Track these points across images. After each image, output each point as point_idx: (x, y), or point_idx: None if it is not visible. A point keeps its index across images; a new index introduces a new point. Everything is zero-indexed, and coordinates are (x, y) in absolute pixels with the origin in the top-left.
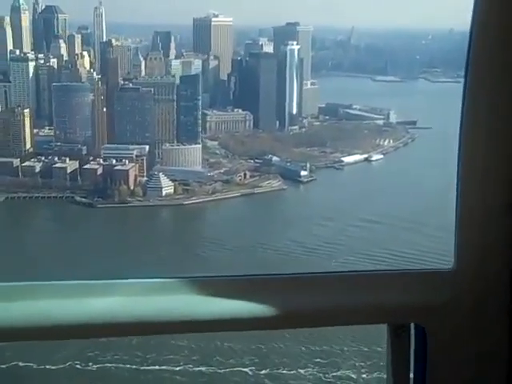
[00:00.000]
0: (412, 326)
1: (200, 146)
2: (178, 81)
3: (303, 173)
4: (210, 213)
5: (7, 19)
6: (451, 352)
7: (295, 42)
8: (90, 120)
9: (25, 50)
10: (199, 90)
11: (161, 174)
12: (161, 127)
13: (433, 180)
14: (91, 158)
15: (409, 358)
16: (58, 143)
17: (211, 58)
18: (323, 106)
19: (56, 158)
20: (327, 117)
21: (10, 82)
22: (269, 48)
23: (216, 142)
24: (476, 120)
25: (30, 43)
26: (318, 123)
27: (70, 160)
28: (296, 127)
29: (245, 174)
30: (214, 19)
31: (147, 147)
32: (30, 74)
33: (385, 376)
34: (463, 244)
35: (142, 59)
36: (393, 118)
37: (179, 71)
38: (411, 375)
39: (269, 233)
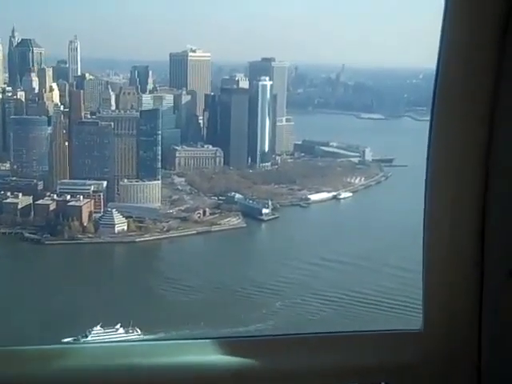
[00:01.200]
0: None
1: (159, 182)
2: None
3: (265, 211)
4: (163, 250)
5: None
6: None
7: (267, 78)
8: (47, 154)
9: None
10: (159, 124)
11: (114, 210)
12: (120, 162)
13: (398, 218)
14: (47, 194)
15: None
16: (14, 178)
17: (184, 93)
18: (299, 143)
19: (9, 193)
20: (302, 154)
21: None
22: (245, 84)
23: (183, 179)
24: (441, 171)
25: (1, 76)
26: (292, 160)
27: (23, 195)
28: (268, 164)
29: (204, 212)
30: (191, 54)
31: (105, 183)
32: None
33: None
34: (431, 306)
35: (111, 93)
36: (368, 156)
37: (150, 106)
38: None
39: (221, 271)
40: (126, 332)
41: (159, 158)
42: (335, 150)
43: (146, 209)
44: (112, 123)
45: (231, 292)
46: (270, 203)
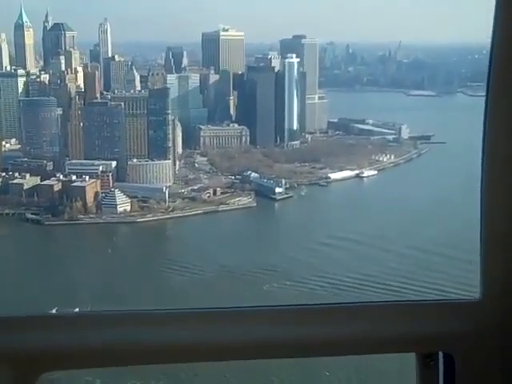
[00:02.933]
0: (440, 354)
1: (170, 161)
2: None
3: (278, 190)
4: (164, 230)
5: (3, 36)
6: (478, 379)
7: (294, 55)
8: (57, 135)
9: (28, 67)
10: (169, 103)
11: (117, 190)
12: (131, 142)
13: (419, 197)
14: (55, 175)
15: None
16: (25, 159)
17: (212, 72)
18: (335, 120)
19: (17, 174)
20: (338, 132)
21: None
22: (278, 62)
23: (205, 158)
24: (497, 146)
25: (33, 60)
26: (325, 138)
27: (31, 176)
28: (296, 142)
29: (214, 191)
30: (223, 33)
31: (114, 163)
32: (20, 90)
33: None
34: (488, 275)
35: (136, 74)
36: (405, 133)
37: (176, 86)
38: None
39: (222, 251)
40: None
41: (169, 137)
42: (370, 128)
43: (152, 189)
44: (122, 103)
45: (230, 272)
46: (283, 182)
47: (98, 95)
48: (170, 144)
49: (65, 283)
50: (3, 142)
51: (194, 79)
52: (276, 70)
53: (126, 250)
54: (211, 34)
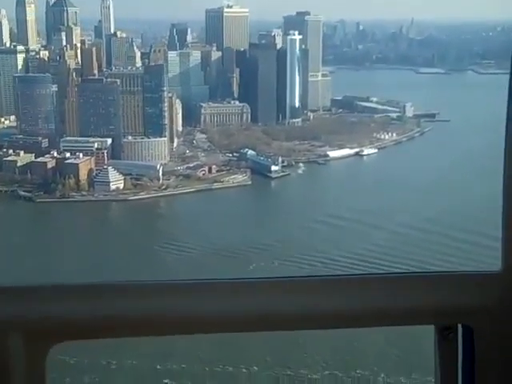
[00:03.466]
0: (459, 327)
1: (166, 139)
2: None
3: (274, 168)
4: (155, 208)
5: (3, 12)
6: (499, 353)
7: (297, 32)
8: (52, 112)
9: (30, 44)
10: (164, 80)
11: (110, 168)
12: (127, 120)
13: (418, 177)
14: (50, 152)
15: (457, 359)
16: (20, 135)
17: (214, 49)
18: (340, 98)
19: (11, 151)
20: (340, 110)
21: None
22: (280, 39)
23: (205, 135)
24: None
25: (35, 36)
26: (327, 116)
27: (25, 153)
28: (298, 120)
29: (210, 169)
30: (227, 10)
31: (109, 140)
32: (19, 66)
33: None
34: (510, 246)
35: (136, 51)
36: (409, 111)
37: (177, 63)
38: (459, 376)
39: (213, 229)
40: None
41: (165, 114)
42: (374, 106)
43: (145, 166)
44: (118, 80)
45: (218, 250)
46: (279, 160)
47: (95, 72)
48: (166, 121)
49: (50, 260)
50: (2, 119)
51: (196, 56)
52: (278, 47)
53: (115, 227)
54: (215, 10)
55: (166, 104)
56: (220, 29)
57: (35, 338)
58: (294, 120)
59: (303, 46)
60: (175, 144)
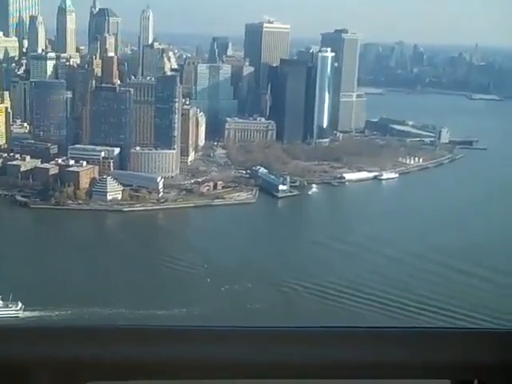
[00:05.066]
0: (475, 383)
1: (174, 151)
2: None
3: (281, 187)
4: (145, 221)
5: (40, 18)
6: None
7: (329, 49)
8: (65, 119)
9: (68, 51)
10: (177, 91)
11: (109, 178)
12: (137, 130)
13: (432, 206)
14: (55, 158)
15: None
16: (32, 141)
17: (246, 64)
18: (375, 120)
19: (18, 156)
20: (375, 132)
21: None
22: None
23: (224, 151)
24: None
25: (74, 44)
26: (358, 138)
27: (31, 158)
28: (326, 140)
29: (215, 185)
30: (266, 25)
31: (116, 150)
32: (49, 72)
33: None
34: None
35: (166, 62)
36: (444, 137)
37: (206, 76)
38: None
39: (192, 246)
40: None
41: (175, 126)
42: (408, 129)
43: (146, 178)
44: (131, 89)
45: (191, 267)
46: (288, 180)
47: (115, 81)
48: (176, 133)
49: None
50: (25, 124)
51: (226, 70)
52: (305, 63)
53: (100, 237)
54: (255, 25)
55: (176, 116)
56: (258, 44)
57: (65, 378)
58: (321, 140)
59: (336, 64)
60: (190, 158)
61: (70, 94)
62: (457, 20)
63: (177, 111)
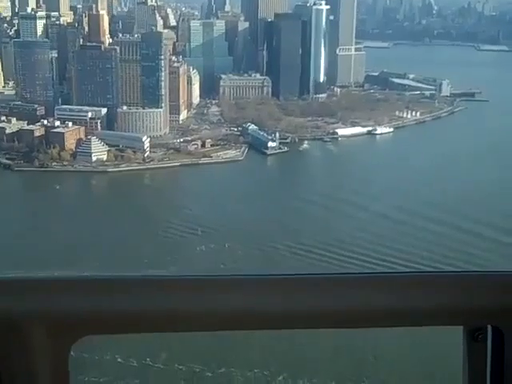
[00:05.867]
0: (489, 328)
1: (161, 110)
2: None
3: (271, 144)
4: (128, 182)
5: None
6: None
7: (324, 2)
8: (51, 79)
9: (62, 10)
10: (162, 48)
11: (93, 138)
12: (124, 89)
13: (423, 160)
14: (42, 119)
15: (486, 361)
16: (19, 102)
17: (241, 19)
18: (376, 74)
19: (3, 118)
20: (375, 86)
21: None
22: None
23: (218, 108)
24: None
25: (67, 2)
26: (357, 92)
27: (17, 120)
28: (323, 95)
29: (203, 143)
30: None
31: (104, 110)
32: (39, 32)
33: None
34: None
35: (158, 19)
36: (446, 90)
37: (199, 33)
38: (488, 379)
39: (171, 205)
40: None
41: (162, 84)
42: (408, 83)
43: (132, 137)
44: (117, 48)
45: (167, 228)
46: (277, 136)
47: (103, 39)
48: (163, 92)
49: None
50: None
51: (220, 26)
52: (298, 17)
53: (83, 199)
54: None
55: (163, 73)
56: None
57: (59, 331)
58: (318, 95)
59: (332, 17)
60: (182, 116)
61: (55, 54)
62: None
63: (163, 69)
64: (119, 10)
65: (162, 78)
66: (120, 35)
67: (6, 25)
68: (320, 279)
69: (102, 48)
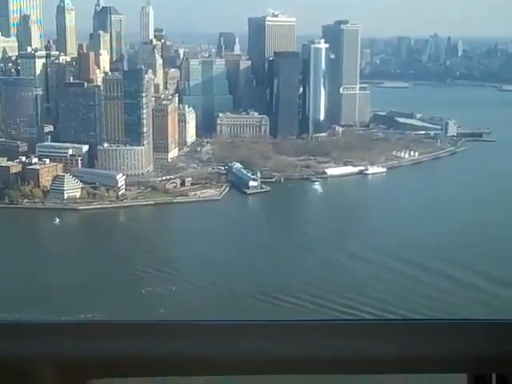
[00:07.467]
0: (494, 376)
1: (143, 148)
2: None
3: (252, 183)
4: (95, 220)
5: (32, 17)
6: None
7: (323, 41)
8: (34, 116)
9: (68, 49)
10: (143, 86)
11: (67, 175)
12: (107, 126)
13: (410, 203)
14: (20, 157)
15: None
16: (2, 138)
17: (243, 58)
18: (383, 114)
19: None
20: (381, 125)
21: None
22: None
23: (211, 147)
24: None
25: (74, 42)
26: (360, 131)
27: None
28: (324, 134)
29: (183, 182)
30: (269, 19)
31: (85, 147)
32: (38, 71)
33: None
34: None
35: (157, 57)
36: (452, 130)
37: (199, 72)
38: None
39: (131, 245)
40: None
41: (144, 122)
42: (413, 122)
43: (106, 175)
44: (101, 85)
45: (124, 267)
46: (258, 175)
47: (92, 77)
48: (145, 129)
49: None
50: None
51: (219, 65)
52: (297, 55)
53: (46, 237)
54: (258, 19)
55: (144, 111)
56: (262, 38)
57: (72, 373)
58: (318, 134)
59: (333, 56)
60: (172, 154)
61: (40, 91)
62: (496, 11)
63: (144, 106)
64: (130, 50)
65: (144, 116)
66: (116, 74)
67: (10, 64)
68: (321, 326)
69: (85, 86)
